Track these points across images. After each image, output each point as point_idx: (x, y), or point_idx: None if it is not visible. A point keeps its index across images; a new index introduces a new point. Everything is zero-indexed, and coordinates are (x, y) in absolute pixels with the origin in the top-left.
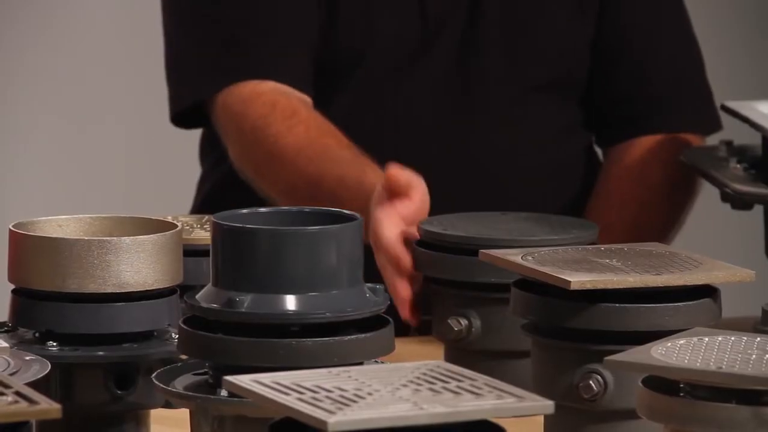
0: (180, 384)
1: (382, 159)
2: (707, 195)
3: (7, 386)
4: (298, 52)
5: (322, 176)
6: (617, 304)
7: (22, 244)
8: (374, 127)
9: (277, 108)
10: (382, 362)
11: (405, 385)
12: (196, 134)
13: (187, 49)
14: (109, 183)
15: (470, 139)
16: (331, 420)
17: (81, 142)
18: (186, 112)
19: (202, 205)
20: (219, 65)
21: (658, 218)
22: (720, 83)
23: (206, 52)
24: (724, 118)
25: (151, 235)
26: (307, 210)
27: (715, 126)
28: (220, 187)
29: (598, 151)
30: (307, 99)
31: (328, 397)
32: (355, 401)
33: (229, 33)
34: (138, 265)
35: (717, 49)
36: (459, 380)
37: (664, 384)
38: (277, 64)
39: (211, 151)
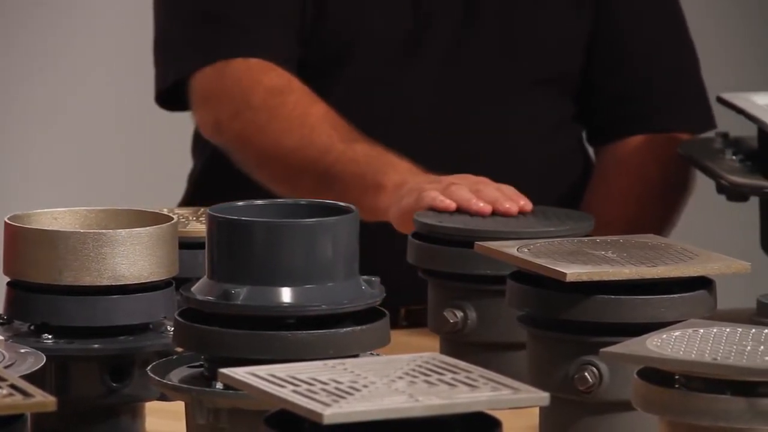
0: (175, 376)
1: None
2: (703, 187)
3: (2, 379)
4: (284, 33)
5: (345, 151)
6: (613, 296)
7: (18, 237)
8: (368, 121)
9: (294, 81)
10: (378, 354)
11: (401, 377)
12: (189, 127)
13: (171, 28)
14: (104, 175)
15: (465, 133)
16: (327, 412)
17: (75, 135)
18: (170, 91)
19: (193, 198)
20: (202, 41)
21: (656, 215)
22: (715, 77)
23: (189, 30)
24: (720, 109)
25: (147, 228)
26: (302, 202)
27: (710, 125)
28: (212, 180)
29: (589, 147)
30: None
31: (323, 389)
32: (350, 393)
33: (212, 10)
34: (134, 258)
35: (712, 43)
36: (454, 372)
37: (659, 375)
38: (262, 42)
39: (205, 144)
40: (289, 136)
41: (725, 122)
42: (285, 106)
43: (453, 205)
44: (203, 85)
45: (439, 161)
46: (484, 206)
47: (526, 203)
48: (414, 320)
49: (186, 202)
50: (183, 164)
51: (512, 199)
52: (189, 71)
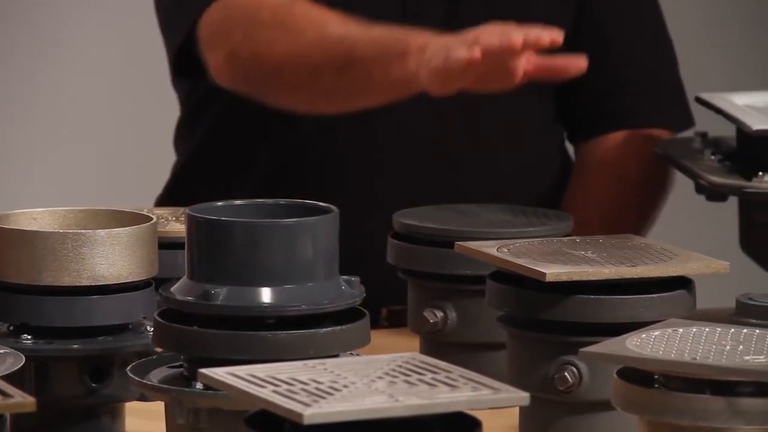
0: (155, 377)
1: (359, 153)
2: (682, 186)
3: None
4: None
5: (364, 32)
6: (592, 296)
7: None
8: (352, 120)
9: (296, 1)
10: (358, 354)
11: (380, 378)
12: (169, 124)
13: None
14: (83, 175)
15: (448, 133)
16: (307, 412)
17: (55, 134)
18: (184, 57)
19: (174, 190)
20: None
21: (635, 213)
22: (694, 77)
23: None
24: (699, 109)
25: (126, 228)
26: (282, 203)
27: (688, 123)
28: (195, 173)
29: (569, 146)
30: None
31: (303, 389)
32: (330, 393)
33: None
34: (113, 258)
35: (691, 43)
36: (434, 372)
37: (638, 375)
38: None
39: (189, 138)
40: (302, 38)
41: (704, 122)
42: (293, 16)
43: (478, 54)
44: (211, 22)
45: (421, 160)
46: (516, 38)
47: (555, 37)
48: (395, 321)
49: (167, 193)
50: (164, 162)
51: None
52: (197, 12)
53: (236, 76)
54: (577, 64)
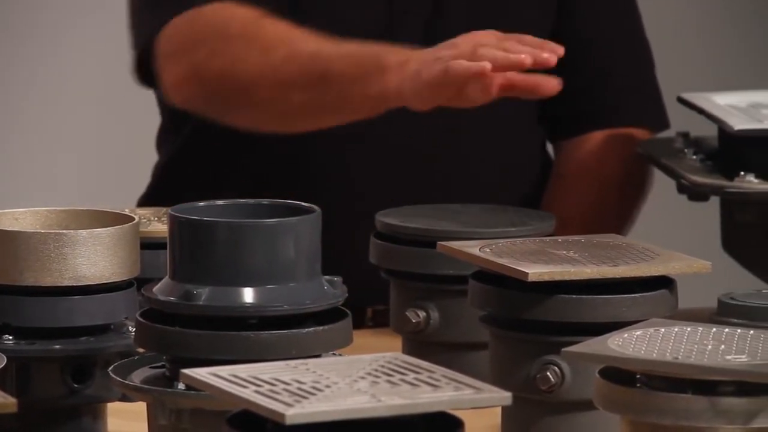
0: (137, 377)
1: (342, 153)
2: (663, 186)
3: None
4: None
5: (338, 46)
6: (574, 296)
7: None
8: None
9: (268, 14)
10: (340, 354)
11: (363, 378)
12: (152, 125)
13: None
14: (65, 175)
15: (431, 133)
16: (289, 412)
17: (36, 134)
18: (147, 66)
19: (156, 191)
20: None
21: (615, 213)
22: (676, 77)
23: None
24: (681, 109)
25: (108, 228)
26: (265, 203)
27: (666, 124)
28: (176, 174)
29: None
30: None
31: (285, 389)
32: (313, 394)
33: None
34: (95, 258)
35: (672, 44)
36: (417, 372)
37: (620, 375)
38: None
39: (170, 137)
40: (273, 53)
41: (686, 122)
42: (263, 28)
43: (488, 66)
44: (176, 33)
45: (403, 159)
46: (525, 57)
47: (552, 52)
48: (380, 321)
49: (149, 195)
50: (147, 163)
51: (543, 49)
52: (164, 21)
53: (195, 93)
54: (550, 84)
